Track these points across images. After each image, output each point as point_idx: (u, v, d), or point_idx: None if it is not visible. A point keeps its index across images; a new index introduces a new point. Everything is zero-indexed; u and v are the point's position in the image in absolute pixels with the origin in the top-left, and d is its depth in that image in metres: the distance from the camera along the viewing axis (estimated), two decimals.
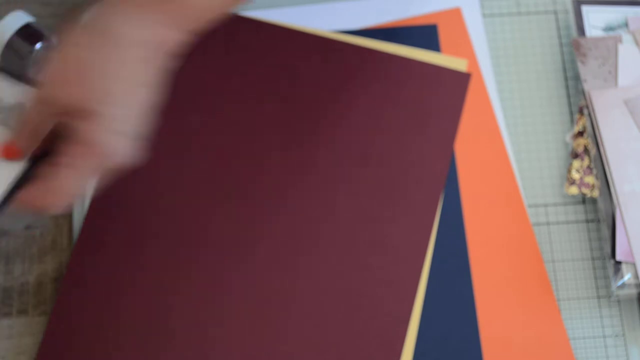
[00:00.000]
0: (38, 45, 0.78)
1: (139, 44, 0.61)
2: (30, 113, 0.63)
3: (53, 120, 0.63)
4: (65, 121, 0.62)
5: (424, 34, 0.80)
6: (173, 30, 0.62)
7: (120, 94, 0.61)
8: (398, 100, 0.78)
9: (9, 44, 0.77)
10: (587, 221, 0.76)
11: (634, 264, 0.71)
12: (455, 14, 0.81)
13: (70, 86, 0.61)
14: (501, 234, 0.75)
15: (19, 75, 0.79)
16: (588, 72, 0.78)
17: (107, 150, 0.60)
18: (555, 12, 0.83)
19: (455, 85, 0.78)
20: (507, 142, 0.78)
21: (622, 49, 0.78)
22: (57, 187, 0.61)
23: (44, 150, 0.64)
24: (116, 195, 0.75)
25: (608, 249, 0.73)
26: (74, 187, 0.62)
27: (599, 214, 0.75)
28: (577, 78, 0.80)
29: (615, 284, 0.72)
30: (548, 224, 0.76)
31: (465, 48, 0.80)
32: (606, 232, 0.73)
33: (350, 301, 0.71)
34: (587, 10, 0.80)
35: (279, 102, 0.78)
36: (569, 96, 0.80)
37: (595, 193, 0.75)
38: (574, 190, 0.76)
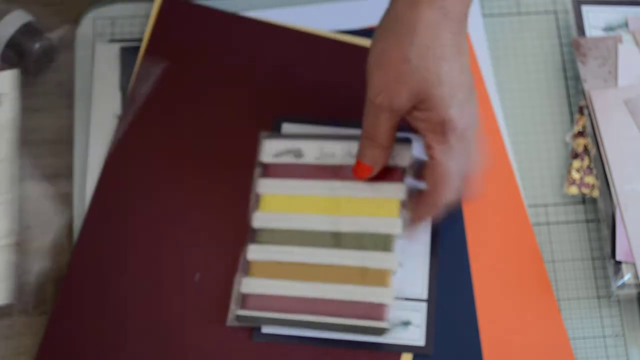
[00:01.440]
0: (38, 45, 0.78)
1: (430, 26, 0.62)
2: (374, 125, 0.65)
3: (395, 123, 0.65)
4: (413, 116, 0.64)
5: None
6: (454, 2, 0.63)
7: (443, 78, 0.62)
8: None
9: (10, 43, 0.77)
10: (587, 221, 0.76)
11: (634, 264, 0.71)
12: None
13: (399, 88, 0.63)
14: (501, 234, 0.75)
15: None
16: (588, 72, 0.78)
17: (467, 124, 0.64)
18: (555, 12, 0.83)
19: None
20: (507, 142, 0.78)
21: (622, 49, 0.78)
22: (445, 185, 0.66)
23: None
24: (116, 195, 0.75)
25: (608, 249, 0.73)
26: (460, 171, 0.66)
27: (599, 214, 0.75)
28: (577, 78, 0.80)
29: (615, 284, 0.72)
30: (548, 224, 0.76)
31: None
32: (606, 232, 0.73)
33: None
34: (587, 10, 0.80)
35: (279, 102, 0.78)
36: (569, 96, 0.80)
37: (595, 193, 0.75)
38: (574, 190, 0.76)
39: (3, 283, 0.70)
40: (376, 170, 0.70)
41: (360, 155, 0.69)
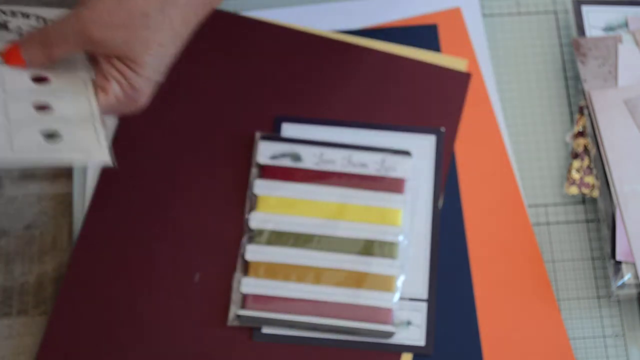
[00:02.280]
0: None
1: (188, 4, 0.64)
2: (61, 36, 0.64)
3: (78, 51, 0.65)
4: (100, 58, 0.64)
5: (424, 34, 0.80)
6: None
7: (162, 46, 0.64)
8: (398, 100, 0.78)
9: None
10: (587, 221, 0.76)
11: (634, 264, 0.71)
12: (455, 14, 0.81)
13: (117, 30, 0.62)
14: (501, 234, 0.75)
15: None
16: (588, 72, 0.78)
17: (140, 96, 0.65)
18: (555, 12, 0.83)
19: (455, 85, 0.78)
20: (507, 142, 0.78)
21: (622, 49, 0.78)
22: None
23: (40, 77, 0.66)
24: (116, 195, 0.75)
25: (608, 249, 0.73)
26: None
27: (599, 214, 0.75)
28: (577, 78, 0.80)
29: (615, 284, 0.72)
30: (548, 224, 0.76)
31: (465, 48, 0.80)
32: (606, 232, 0.73)
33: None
34: (587, 10, 0.80)
35: (279, 102, 0.78)
36: (569, 96, 0.80)
37: (595, 193, 0.75)
38: (574, 190, 0.76)
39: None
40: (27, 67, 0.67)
41: (25, 50, 0.65)
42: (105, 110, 0.65)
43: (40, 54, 0.65)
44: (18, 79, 0.65)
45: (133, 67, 0.64)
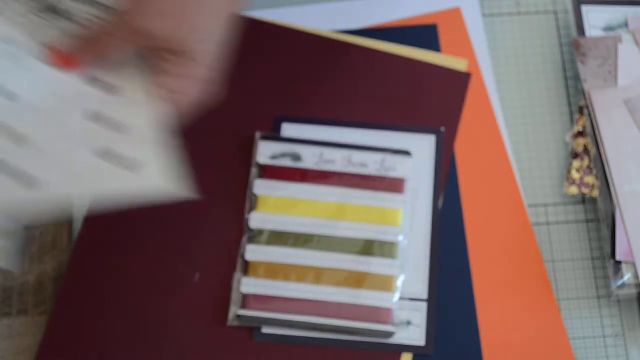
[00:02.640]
0: None
1: None
2: (110, 34, 0.61)
3: (131, 47, 0.62)
4: (153, 51, 0.61)
5: (424, 34, 0.80)
6: None
7: (213, 32, 0.61)
8: (398, 100, 0.78)
9: None
10: (587, 221, 0.76)
11: (634, 264, 0.71)
12: (455, 14, 0.81)
13: (166, 19, 0.60)
14: (501, 234, 0.75)
15: None
16: (588, 72, 0.78)
17: (202, 87, 0.62)
18: (555, 12, 0.83)
19: (455, 85, 0.78)
20: (507, 142, 0.78)
21: (622, 49, 0.78)
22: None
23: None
24: None
25: (608, 249, 0.73)
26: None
27: (599, 214, 0.75)
28: (577, 78, 0.80)
29: (615, 284, 0.72)
30: (548, 224, 0.76)
31: (465, 48, 0.80)
32: (606, 232, 0.73)
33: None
34: (587, 10, 0.80)
35: (279, 102, 0.78)
36: (569, 96, 0.80)
37: (595, 193, 0.75)
38: (574, 190, 0.76)
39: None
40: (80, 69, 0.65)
41: (78, 52, 0.63)
42: (174, 109, 0.62)
43: (90, 53, 0.62)
44: (70, 83, 0.62)
45: (187, 57, 0.61)
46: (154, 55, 0.62)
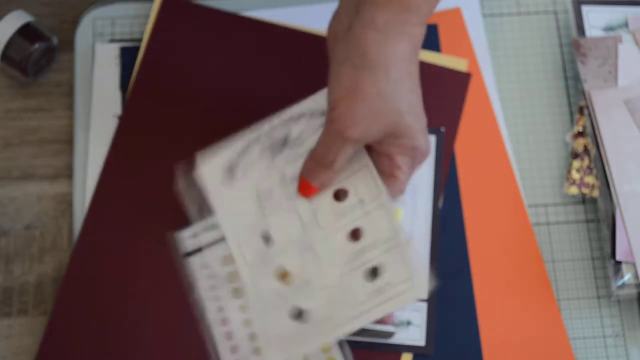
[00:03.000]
0: (38, 45, 0.78)
1: (404, 60, 0.62)
2: (336, 153, 0.63)
3: (352, 150, 0.63)
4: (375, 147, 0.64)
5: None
6: (419, 27, 0.63)
7: (413, 109, 0.63)
8: None
9: (9, 44, 0.77)
10: (587, 221, 0.76)
11: (634, 264, 0.71)
12: (455, 14, 0.81)
13: (371, 122, 0.61)
14: (501, 234, 0.75)
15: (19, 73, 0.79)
16: (588, 72, 0.78)
17: (426, 151, 0.64)
18: (555, 12, 0.83)
19: (455, 85, 0.78)
20: (507, 142, 0.78)
21: (622, 49, 0.78)
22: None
23: None
24: (116, 195, 0.75)
25: (608, 249, 0.73)
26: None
27: (599, 214, 0.75)
28: (577, 78, 0.80)
29: (615, 284, 0.72)
30: (548, 224, 0.76)
31: (465, 48, 0.80)
32: (606, 232, 0.73)
33: None
34: (587, 10, 0.80)
35: (279, 102, 0.78)
36: (569, 96, 0.80)
37: (595, 193, 0.75)
38: (574, 190, 0.76)
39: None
40: (323, 189, 0.68)
41: (311, 177, 0.66)
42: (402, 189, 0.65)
43: (322, 172, 0.65)
44: (326, 208, 0.66)
45: (403, 137, 0.63)
46: (377, 147, 0.64)
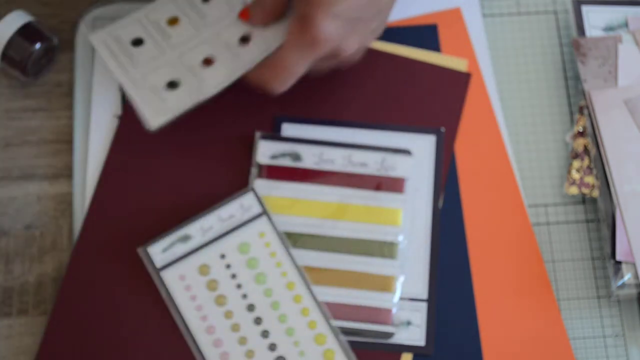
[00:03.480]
0: (38, 45, 0.78)
1: None
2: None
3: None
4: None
5: (424, 34, 0.80)
6: None
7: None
8: (398, 100, 0.78)
9: (9, 44, 0.77)
10: (587, 221, 0.76)
11: (634, 264, 0.71)
12: (455, 14, 0.81)
13: None
14: (501, 234, 0.75)
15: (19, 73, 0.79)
16: (588, 72, 0.78)
17: (322, 33, 0.65)
18: (555, 12, 0.83)
19: (455, 85, 0.78)
20: (507, 142, 0.78)
21: (622, 49, 0.78)
22: (279, 64, 0.67)
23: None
24: (116, 195, 0.75)
25: (608, 249, 0.73)
26: (295, 66, 0.67)
27: (599, 214, 0.75)
28: (577, 78, 0.80)
29: (615, 284, 0.72)
30: (548, 224, 0.76)
31: (465, 48, 0.80)
32: (606, 232, 0.73)
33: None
34: (587, 10, 0.80)
35: (279, 102, 0.78)
36: (569, 96, 0.80)
37: (595, 193, 0.75)
38: (574, 190, 0.76)
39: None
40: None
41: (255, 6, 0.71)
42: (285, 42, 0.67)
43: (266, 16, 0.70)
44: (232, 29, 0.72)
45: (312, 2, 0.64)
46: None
